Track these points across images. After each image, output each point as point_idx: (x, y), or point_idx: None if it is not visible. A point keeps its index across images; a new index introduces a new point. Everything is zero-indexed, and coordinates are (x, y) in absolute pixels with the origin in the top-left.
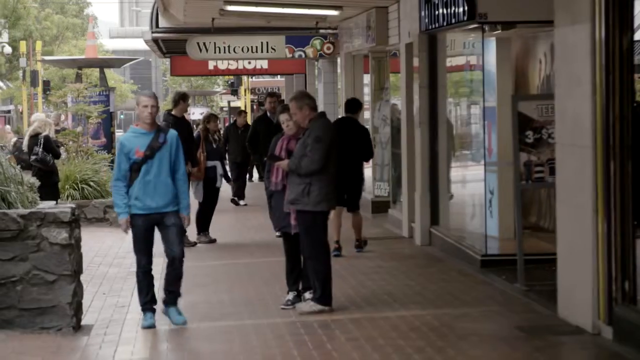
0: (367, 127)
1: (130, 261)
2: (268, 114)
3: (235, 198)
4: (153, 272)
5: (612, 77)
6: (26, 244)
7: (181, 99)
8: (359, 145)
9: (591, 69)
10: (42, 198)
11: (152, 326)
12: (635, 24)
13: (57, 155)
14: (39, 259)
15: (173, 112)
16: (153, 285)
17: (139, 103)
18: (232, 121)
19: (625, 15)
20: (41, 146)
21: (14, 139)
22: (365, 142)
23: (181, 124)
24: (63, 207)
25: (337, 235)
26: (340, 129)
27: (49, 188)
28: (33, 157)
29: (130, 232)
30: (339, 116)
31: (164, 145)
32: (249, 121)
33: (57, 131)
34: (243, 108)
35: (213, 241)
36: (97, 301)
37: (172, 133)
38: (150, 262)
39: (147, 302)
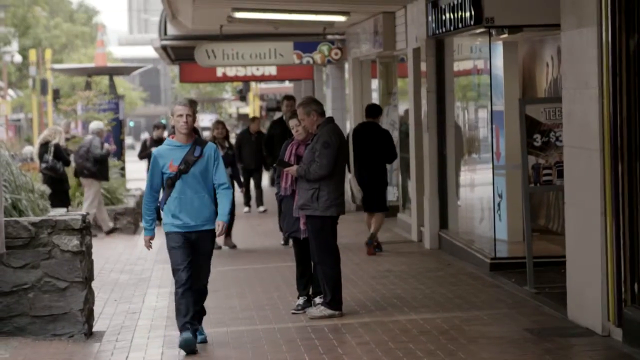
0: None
1: (140, 267)
2: (284, 117)
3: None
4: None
5: (619, 79)
6: (38, 251)
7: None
8: (382, 149)
9: (598, 72)
10: (53, 205)
11: (190, 343)
12: None
13: (67, 163)
14: (50, 266)
15: None
16: (193, 304)
17: (174, 113)
18: (244, 128)
19: (632, 17)
20: (51, 154)
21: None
22: (388, 145)
23: None
24: (74, 214)
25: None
26: (363, 133)
27: (60, 195)
28: (43, 165)
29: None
30: (360, 121)
31: (199, 159)
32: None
33: (67, 139)
34: (252, 114)
35: (234, 247)
36: (109, 308)
37: (210, 146)
38: (190, 278)
39: (187, 323)
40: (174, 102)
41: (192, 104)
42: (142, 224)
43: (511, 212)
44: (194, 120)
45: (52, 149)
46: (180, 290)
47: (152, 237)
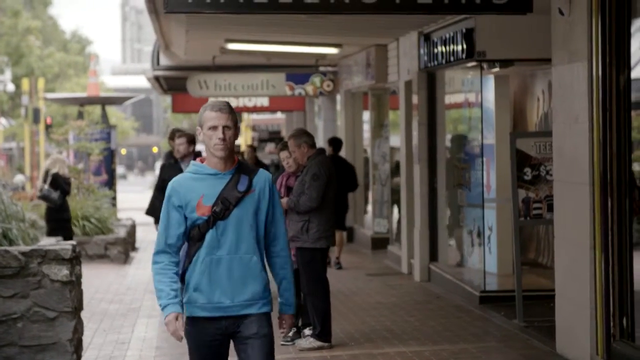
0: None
1: (130, 297)
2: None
3: None
4: None
5: (609, 114)
6: (27, 281)
7: (170, 138)
8: (347, 179)
9: (589, 107)
10: (52, 234)
11: None
12: (632, 62)
13: (64, 192)
14: (39, 296)
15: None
16: None
17: (203, 122)
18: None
19: (622, 53)
20: (47, 184)
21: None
22: (352, 176)
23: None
24: (64, 244)
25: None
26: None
27: (58, 223)
28: (39, 194)
29: (184, 340)
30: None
31: (246, 196)
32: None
33: None
34: (243, 145)
35: None
36: (98, 338)
37: (262, 176)
38: None
39: None
40: (204, 107)
41: (231, 109)
42: (156, 300)
43: (501, 245)
44: (237, 135)
45: (49, 178)
46: None
47: (179, 314)
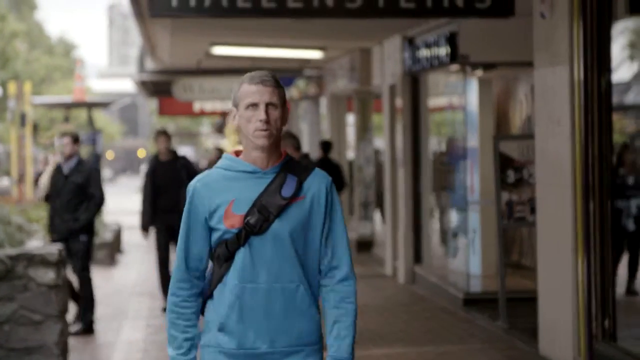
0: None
1: (117, 300)
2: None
3: None
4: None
5: (591, 117)
6: (13, 284)
7: (155, 139)
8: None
9: (570, 110)
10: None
11: None
12: (613, 65)
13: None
14: (26, 299)
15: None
16: None
17: (240, 100)
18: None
19: (603, 56)
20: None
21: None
22: (339, 176)
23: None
24: (50, 247)
25: None
26: (320, 166)
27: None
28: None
29: None
30: (332, 154)
31: (294, 203)
32: None
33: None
34: (234, 149)
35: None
36: (84, 341)
37: (318, 177)
38: None
39: None
40: (241, 80)
41: (276, 82)
42: (168, 332)
43: (485, 247)
44: (285, 118)
45: None
46: None
47: None
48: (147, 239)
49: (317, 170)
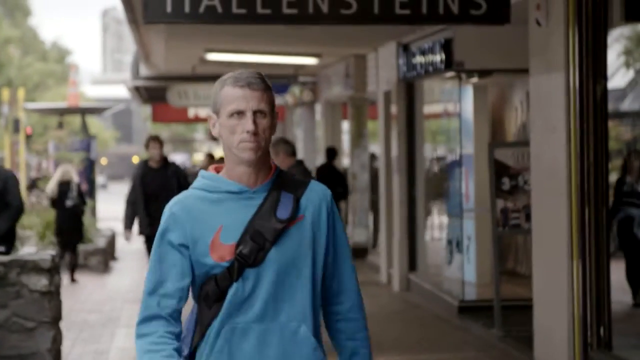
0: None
1: (109, 307)
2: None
3: None
4: None
5: (586, 124)
6: (6, 290)
7: (146, 145)
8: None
9: (566, 117)
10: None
11: None
12: (609, 72)
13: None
14: (18, 306)
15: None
16: None
17: (221, 105)
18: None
19: (598, 63)
20: (76, 192)
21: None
22: (344, 183)
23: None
24: (43, 254)
25: None
26: (324, 173)
27: (80, 231)
28: (73, 203)
29: None
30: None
31: (292, 226)
32: None
33: (37, 178)
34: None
35: None
36: (77, 348)
37: (316, 192)
38: None
39: None
40: (222, 81)
41: (265, 83)
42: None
43: (480, 254)
44: (274, 126)
45: (75, 187)
46: None
47: None
48: (130, 240)
49: (314, 183)
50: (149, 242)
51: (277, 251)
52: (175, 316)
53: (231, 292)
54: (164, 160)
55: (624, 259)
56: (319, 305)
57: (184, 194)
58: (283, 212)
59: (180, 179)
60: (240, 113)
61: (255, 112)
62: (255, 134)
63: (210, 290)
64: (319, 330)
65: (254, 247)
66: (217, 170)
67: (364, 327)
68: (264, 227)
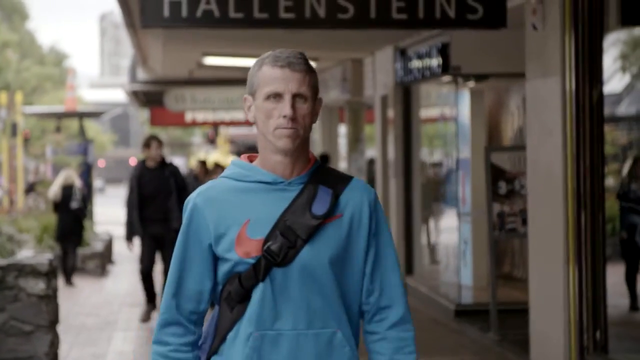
0: None
1: (107, 311)
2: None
3: None
4: None
5: (582, 128)
6: (4, 294)
7: (144, 145)
8: None
9: (562, 121)
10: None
11: None
12: (605, 77)
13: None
14: (16, 309)
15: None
16: None
17: (257, 87)
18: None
19: (594, 67)
20: (80, 196)
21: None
22: None
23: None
24: (40, 258)
25: None
26: None
27: (80, 235)
28: (78, 206)
29: None
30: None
31: (329, 223)
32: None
33: (35, 182)
34: (222, 158)
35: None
36: (74, 351)
37: (358, 189)
38: None
39: None
40: (260, 60)
41: (307, 65)
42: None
43: (476, 258)
44: (317, 113)
45: (79, 191)
46: None
47: None
48: (132, 250)
49: (356, 180)
50: (143, 244)
51: (309, 250)
52: (194, 319)
53: (257, 293)
54: (162, 160)
55: (625, 265)
56: (355, 313)
57: (209, 184)
58: (319, 207)
59: (178, 180)
60: (277, 96)
61: (294, 96)
62: (293, 119)
63: (233, 290)
64: (357, 338)
65: (284, 243)
66: (251, 160)
67: (412, 349)
68: (296, 222)
